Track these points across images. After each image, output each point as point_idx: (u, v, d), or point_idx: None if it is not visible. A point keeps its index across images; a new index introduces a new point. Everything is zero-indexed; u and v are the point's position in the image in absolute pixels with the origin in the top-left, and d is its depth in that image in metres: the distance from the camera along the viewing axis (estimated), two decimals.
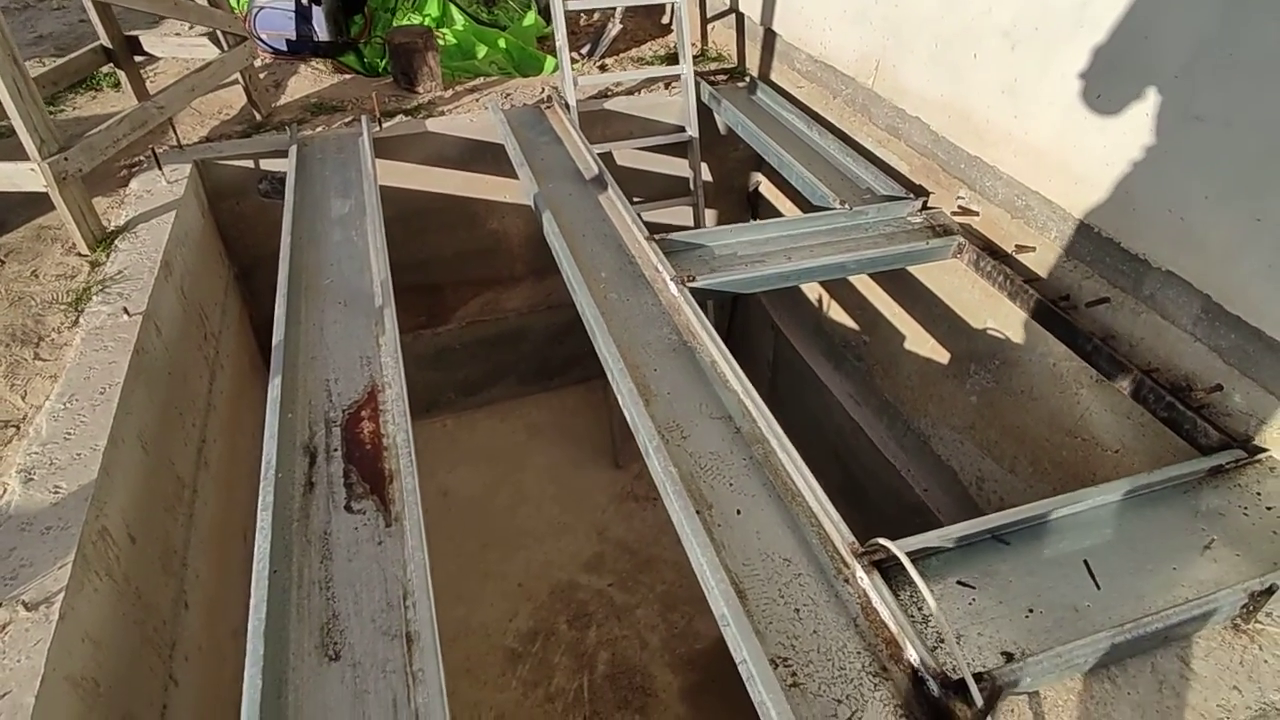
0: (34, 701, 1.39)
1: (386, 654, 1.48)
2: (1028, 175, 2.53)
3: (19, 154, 3.32)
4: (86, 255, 2.69)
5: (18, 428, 2.01)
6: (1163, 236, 2.11)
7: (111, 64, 3.59)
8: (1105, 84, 2.19)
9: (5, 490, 1.82)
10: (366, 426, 1.99)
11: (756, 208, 4.62)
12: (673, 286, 2.47)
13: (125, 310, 2.35)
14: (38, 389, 2.13)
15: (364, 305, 2.44)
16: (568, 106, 3.73)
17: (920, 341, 3.32)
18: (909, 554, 1.59)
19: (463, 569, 3.83)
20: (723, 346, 2.18)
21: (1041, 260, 2.57)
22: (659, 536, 4.06)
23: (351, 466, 1.87)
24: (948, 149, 2.89)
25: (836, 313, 3.95)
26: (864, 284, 3.65)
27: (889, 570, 1.61)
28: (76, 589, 1.61)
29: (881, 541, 1.62)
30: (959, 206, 2.89)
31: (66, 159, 2.57)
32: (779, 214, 4.40)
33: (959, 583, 1.64)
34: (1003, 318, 2.81)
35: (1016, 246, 2.64)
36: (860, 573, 1.59)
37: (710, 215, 4.59)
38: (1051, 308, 2.39)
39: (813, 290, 4.16)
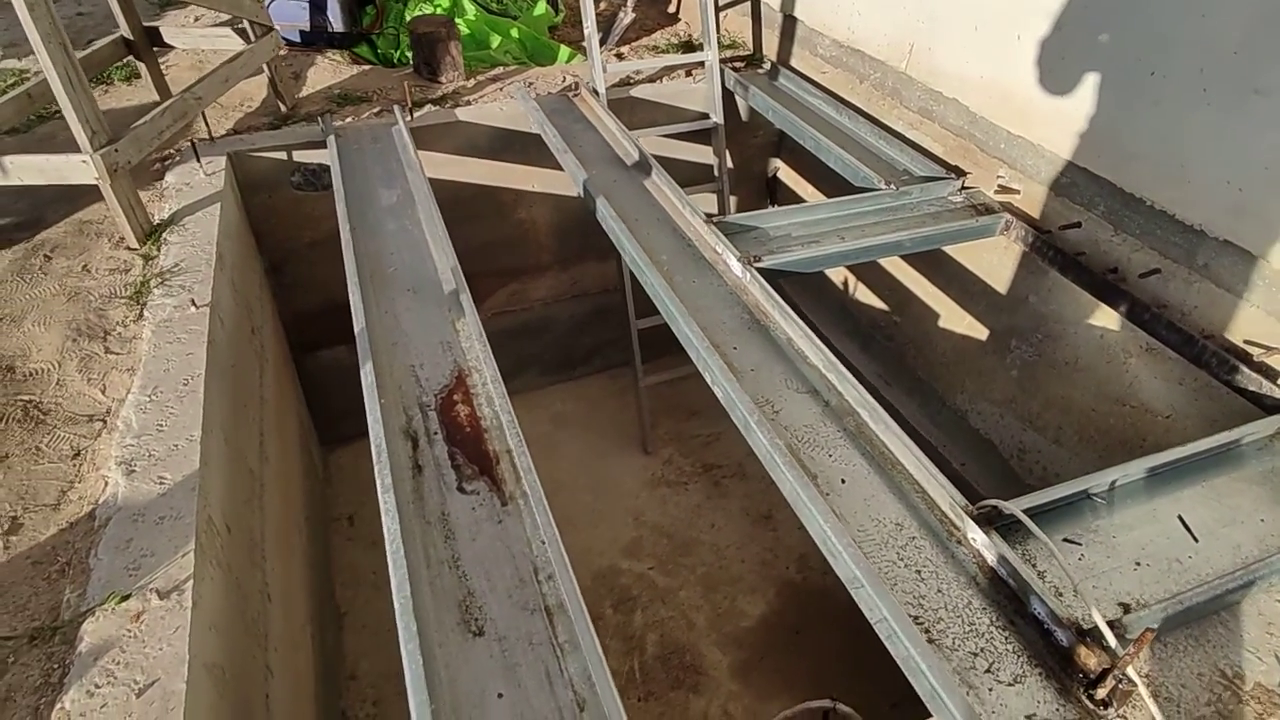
0: (185, 688, 1.39)
1: (529, 628, 1.50)
2: (1075, 152, 2.61)
3: (45, 147, 3.26)
4: (136, 249, 2.65)
5: (104, 421, 1.99)
6: (1220, 207, 2.20)
7: (131, 56, 3.52)
8: (1160, 61, 2.26)
9: (108, 483, 1.79)
10: (461, 410, 2.00)
11: (775, 193, 4.67)
12: (737, 268, 2.51)
13: (193, 302, 2.32)
14: (116, 382, 2.10)
15: (433, 292, 2.44)
16: (596, 93, 3.74)
17: (955, 319, 3.40)
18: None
19: None
20: (801, 323, 2.22)
21: (1088, 236, 2.65)
22: (694, 520, 4.11)
23: (455, 449, 1.88)
24: (986, 129, 2.96)
25: (865, 295, 4.02)
26: (894, 265, 3.72)
27: (999, 529, 1.67)
28: (200, 577, 1.61)
29: (994, 502, 1.68)
30: (999, 185, 2.96)
31: (117, 150, 2.52)
32: (799, 199, 4.46)
33: (1065, 540, 1.71)
34: (1045, 292, 2.89)
35: (1061, 223, 2.72)
36: (975, 532, 1.65)
37: (731, 201, 4.63)
38: (1107, 279, 2.47)
39: (838, 274, 4.23)
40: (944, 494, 1.73)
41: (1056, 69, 2.60)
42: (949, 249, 3.29)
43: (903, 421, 3.72)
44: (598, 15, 5.34)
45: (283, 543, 2.60)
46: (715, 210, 4.25)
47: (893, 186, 2.94)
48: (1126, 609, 1.55)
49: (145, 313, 2.34)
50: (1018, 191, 2.90)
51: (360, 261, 2.49)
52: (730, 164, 4.44)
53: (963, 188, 3.02)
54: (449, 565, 1.62)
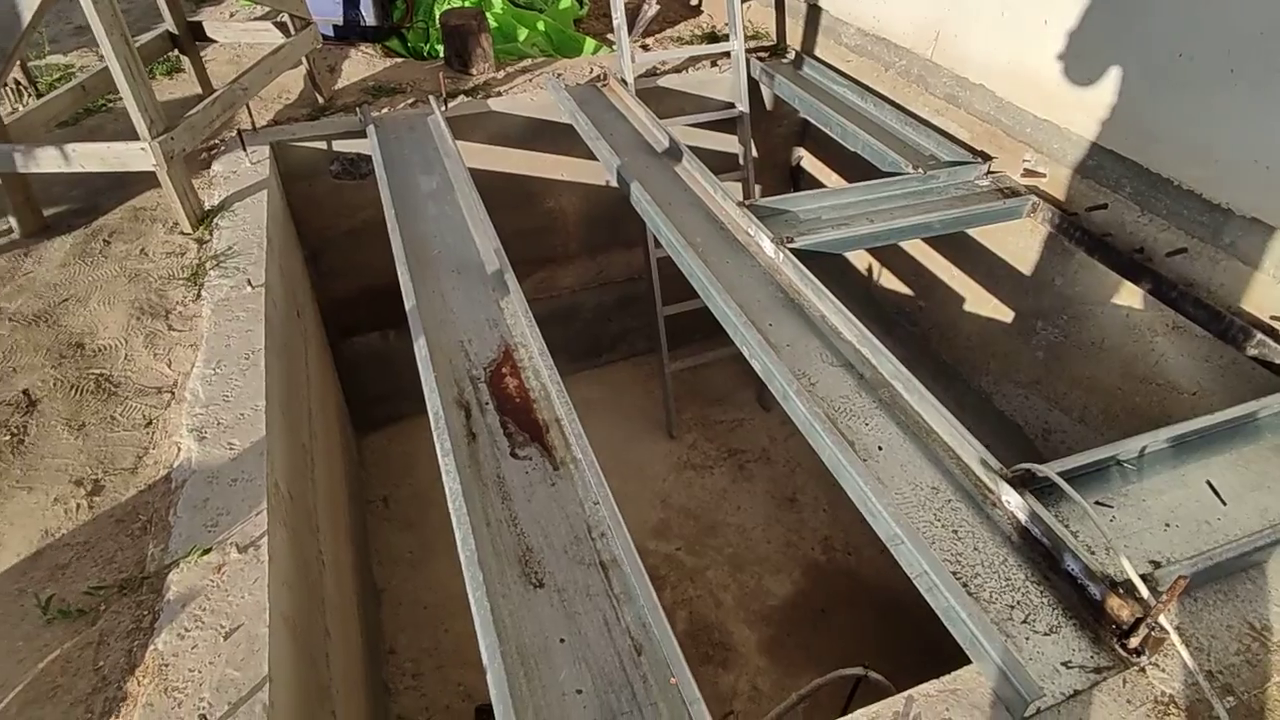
0: (268, 632, 1.49)
1: (587, 580, 1.59)
2: (1102, 135, 2.66)
3: (93, 138, 3.37)
4: (190, 233, 2.75)
5: (172, 393, 2.09)
6: (1247, 185, 2.25)
7: (176, 49, 3.63)
8: (1187, 43, 2.31)
9: (180, 449, 1.90)
10: (510, 382, 2.09)
11: (798, 181, 4.73)
12: (770, 248, 2.58)
13: (249, 282, 2.42)
14: (181, 357, 2.21)
15: (476, 273, 2.53)
16: (624, 83, 3.82)
17: (980, 302, 3.46)
18: (1049, 478, 1.71)
19: None
20: (834, 300, 2.29)
21: (1114, 217, 2.70)
22: (720, 502, 4.18)
23: (507, 418, 1.97)
24: (1013, 113, 3.01)
25: (889, 280, 4.07)
26: (919, 250, 3.78)
27: (1034, 492, 1.74)
28: (273, 535, 1.70)
29: (1029, 466, 1.74)
30: (1025, 169, 3.01)
31: (173, 138, 2.62)
32: (822, 186, 4.51)
33: (1097, 503, 1.77)
34: (1072, 274, 2.94)
35: (1088, 205, 2.77)
36: (1009, 494, 1.72)
37: (755, 190, 4.69)
38: (1134, 259, 2.52)
39: (861, 260, 4.28)
40: (977, 459, 1.80)
41: (1084, 52, 2.65)
42: (974, 233, 3.34)
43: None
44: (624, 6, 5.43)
45: (331, 517, 2.70)
46: (742, 197, 4.32)
47: (920, 170, 3.00)
48: (1157, 565, 1.61)
49: (203, 293, 2.44)
50: (1044, 175, 2.95)
51: (406, 245, 2.58)
52: (755, 152, 4.51)
53: (989, 172, 3.07)
54: (508, 524, 1.71)
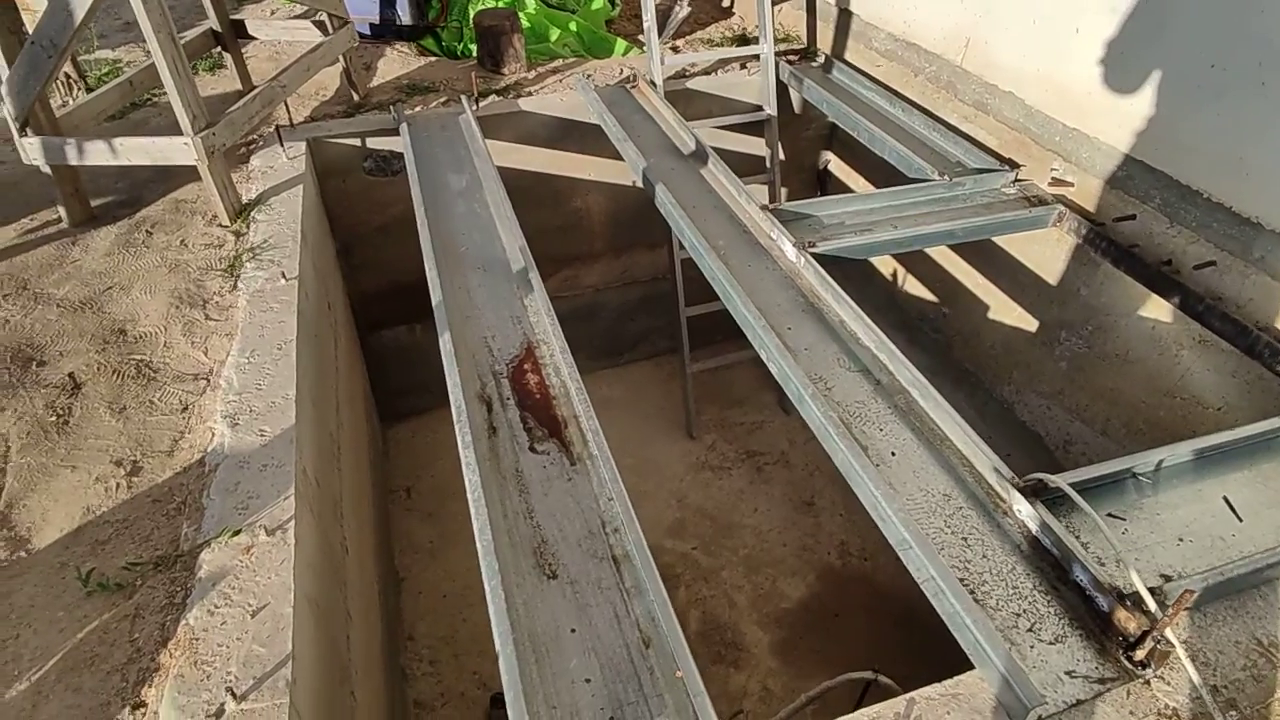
0: (292, 612, 1.55)
1: (599, 573, 1.63)
2: (1132, 145, 2.64)
3: (138, 131, 3.49)
4: (228, 225, 2.85)
5: (208, 380, 2.17)
6: (1279, 199, 2.22)
7: (219, 47, 3.74)
8: (1219, 54, 2.29)
9: (214, 434, 1.98)
10: (531, 378, 2.14)
11: (825, 186, 4.73)
12: (792, 252, 2.60)
13: (283, 275, 2.51)
14: (217, 345, 2.29)
15: (502, 270, 2.59)
16: (653, 84, 3.85)
17: (1005, 311, 3.44)
18: (1061, 489, 1.72)
19: None
20: (854, 306, 2.31)
21: (1142, 228, 2.67)
22: (737, 504, 4.21)
23: (527, 413, 2.02)
24: (1042, 122, 3.00)
25: (913, 286, 4.06)
26: (944, 256, 3.77)
27: (1046, 502, 1.75)
28: (300, 520, 1.77)
29: (1041, 476, 1.75)
30: (1053, 179, 3.00)
31: (214, 134, 2.72)
32: (849, 191, 4.51)
33: (1110, 515, 1.77)
34: (1097, 285, 2.92)
35: (1115, 216, 2.75)
36: (1021, 504, 1.73)
37: (781, 193, 4.70)
38: (1161, 271, 2.50)
39: (886, 265, 4.28)
40: (990, 467, 1.81)
41: (1114, 62, 2.63)
42: (1000, 241, 3.33)
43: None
44: (655, 8, 5.46)
45: (356, 505, 2.78)
46: (767, 201, 4.33)
47: (946, 177, 3.00)
48: (1167, 579, 1.61)
49: (239, 284, 2.53)
50: (1072, 184, 2.93)
51: (434, 241, 2.64)
52: (782, 156, 4.52)
53: (1016, 180, 3.06)
54: (524, 516, 1.76)
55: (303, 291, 2.54)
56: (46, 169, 2.77)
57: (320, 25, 3.68)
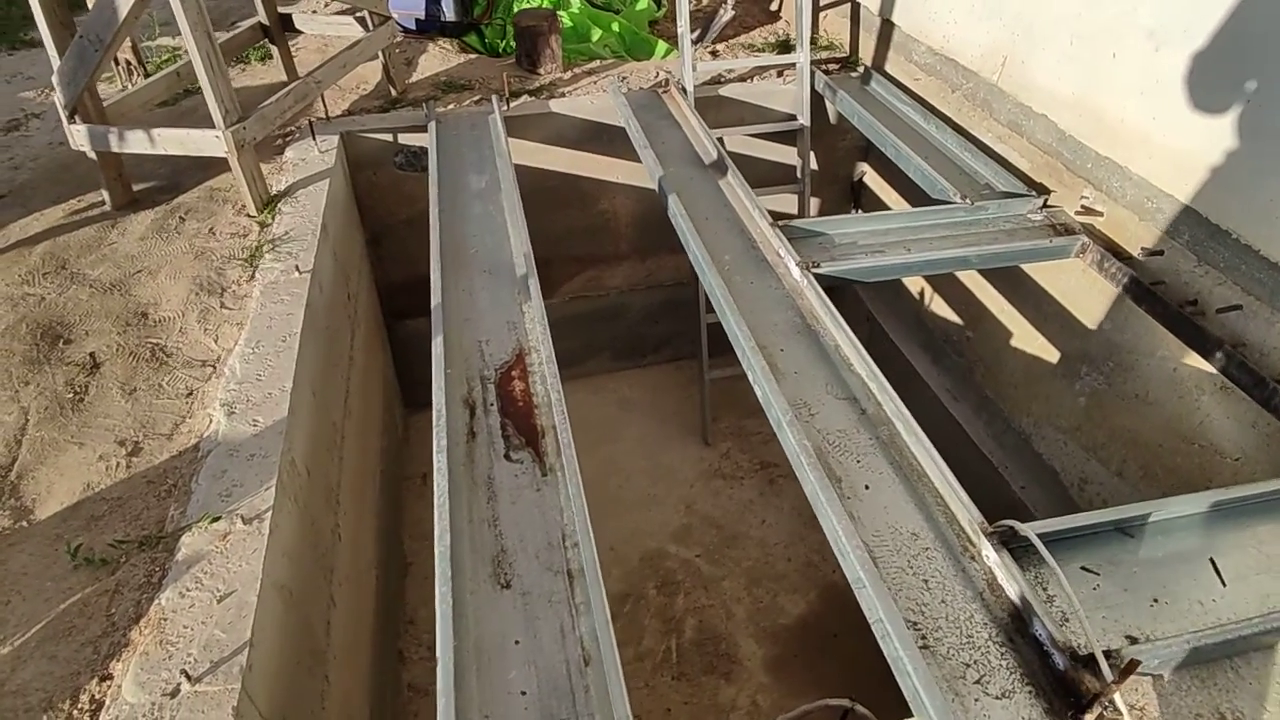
0: (256, 600, 1.62)
1: (551, 587, 1.66)
2: (1162, 177, 2.53)
3: (187, 119, 3.66)
4: (255, 216, 2.97)
5: (214, 367, 2.28)
6: None
7: (266, 39, 3.88)
8: (1258, 91, 2.17)
9: (211, 421, 2.07)
10: (517, 385, 2.18)
11: (860, 198, 4.65)
12: (796, 271, 2.58)
13: (297, 268, 2.60)
14: (226, 334, 2.40)
15: (506, 274, 2.63)
16: (684, 91, 3.84)
17: (1028, 339, 3.33)
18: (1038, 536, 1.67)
19: None
20: (849, 332, 2.28)
21: (1169, 265, 2.56)
22: (745, 514, 4.19)
23: (507, 420, 2.06)
24: (1074, 148, 2.89)
25: (939, 307, 3.97)
26: (972, 279, 3.67)
27: (1015, 550, 1.70)
28: (279, 509, 1.85)
29: (1010, 523, 1.71)
30: (1082, 206, 2.89)
31: (245, 128, 2.83)
32: (883, 205, 4.42)
33: (1082, 568, 1.72)
34: (1121, 320, 2.80)
35: (1143, 249, 2.64)
36: (989, 550, 1.69)
37: (813, 203, 4.64)
38: (1180, 312, 2.39)
39: (914, 283, 4.18)
40: (964, 510, 1.77)
41: (1150, 90, 2.52)
42: (1027, 267, 3.22)
43: (966, 438, 3.68)
44: (698, 11, 5.44)
45: (357, 491, 2.87)
46: (795, 211, 4.29)
47: (968, 200, 2.92)
48: (1133, 641, 1.56)
49: (257, 274, 2.64)
50: (1101, 214, 2.82)
51: (445, 241, 2.70)
52: (815, 166, 4.45)
53: (1044, 205, 2.96)
54: (489, 524, 1.79)
55: (315, 285, 2.63)
56: (92, 154, 2.93)
57: (362, 21, 3.78)
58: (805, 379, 2.20)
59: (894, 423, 2.04)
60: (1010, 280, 3.37)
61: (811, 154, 4.20)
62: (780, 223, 2.79)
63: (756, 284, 2.58)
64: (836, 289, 4.77)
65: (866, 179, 4.57)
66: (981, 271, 3.56)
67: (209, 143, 2.80)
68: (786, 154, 4.23)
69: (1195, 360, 2.50)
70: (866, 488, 1.89)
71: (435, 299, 2.37)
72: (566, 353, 4.83)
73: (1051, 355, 3.20)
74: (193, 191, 3.16)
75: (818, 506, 1.81)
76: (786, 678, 3.47)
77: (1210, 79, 2.30)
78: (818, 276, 2.55)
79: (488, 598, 1.64)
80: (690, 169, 3.27)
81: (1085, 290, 2.94)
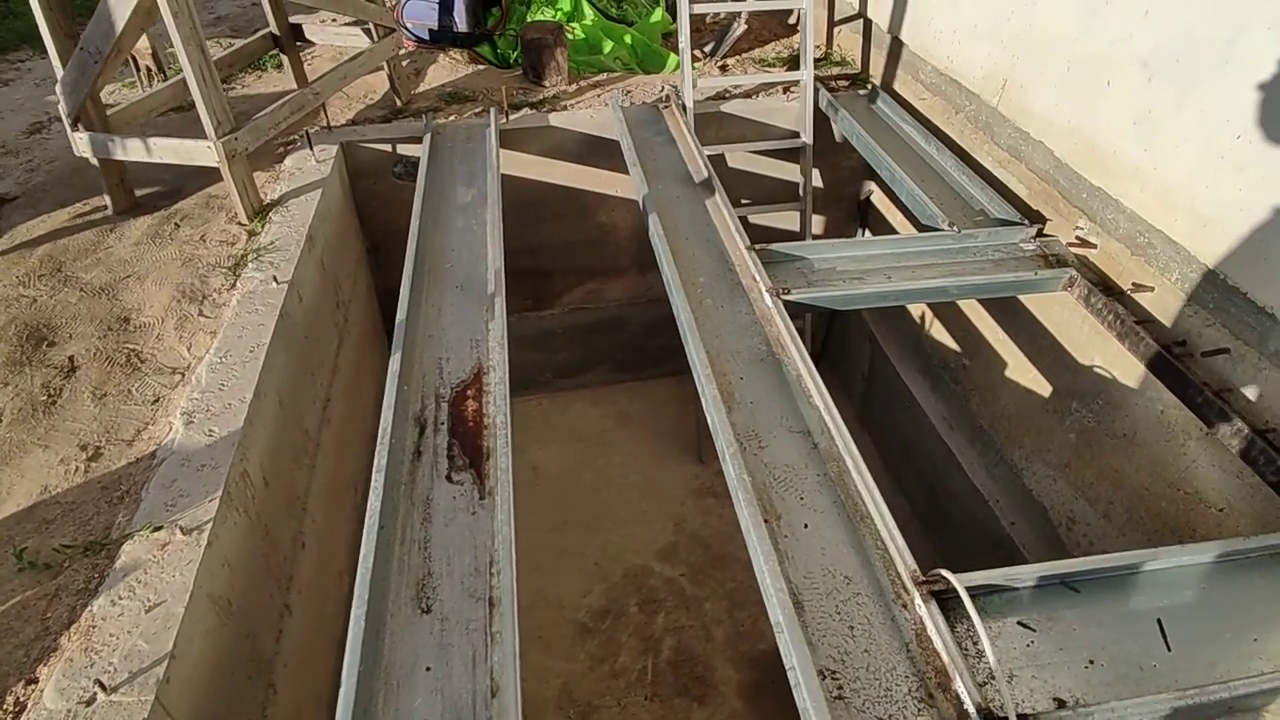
0: (183, 612, 1.65)
1: (471, 614, 1.66)
2: (1153, 212, 2.43)
3: (196, 127, 3.75)
4: (245, 225, 3.03)
5: (183, 375, 2.33)
6: None
7: (278, 49, 3.97)
8: (1247, 125, 2.07)
9: (171, 429, 2.12)
10: (470, 405, 2.18)
11: (866, 217, 4.57)
12: (767, 297, 2.54)
13: (274, 278, 2.65)
14: (200, 342, 2.45)
15: (478, 290, 2.64)
16: (684, 108, 3.82)
17: (1022, 371, 3.23)
18: (972, 589, 1.61)
19: (543, 542, 4.05)
20: (809, 362, 2.24)
21: (1159, 302, 2.46)
22: (733, 535, 4.13)
23: (455, 440, 2.07)
24: (1070, 177, 2.79)
25: (939, 332, 3.88)
26: (970, 307, 3.57)
27: (949, 602, 1.64)
28: (221, 520, 1.88)
29: (943, 573, 1.65)
30: (1076, 238, 2.79)
31: (236, 139, 2.90)
32: (889, 225, 4.34)
33: (1019, 623, 1.65)
34: (1111, 357, 2.70)
35: (1133, 285, 2.54)
36: (918, 600, 1.63)
37: (818, 221, 4.58)
38: (1164, 353, 2.29)
39: (917, 308, 4.09)
40: (900, 557, 1.72)
41: (1141, 120, 2.42)
42: (1024, 298, 3.13)
43: (959, 468, 3.59)
44: (713, 24, 5.41)
45: (331, 499, 2.91)
46: (797, 229, 4.23)
47: (955, 228, 2.84)
48: (1061, 704, 1.49)
49: (238, 283, 2.70)
50: (1095, 246, 2.72)
51: (421, 255, 2.73)
52: (820, 184, 4.40)
53: (1038, 235, 2.87)
54: (419, 546, 1.80)
55: (294, 295, 2.68)
56: (94, 161, 3.03)
57: (369, 32, 3.85)
58: (761, 409, 2.16)
59: (844, 459, 1.99)
60: (1007, 310, 3.28)
61: (816, 172, 4.14)
62: (760, 246, 2.75)
63: (726, 308, 2.55)
64: (841, 310, 4.70)
65: (873, 198, 4.49)
66: (980, 300, 3.46)
67: (201, 152, 2.88)
68: (790, 171, 4.18)
69: (1182, 404, 2.40)
70: (805, 526, 1.84)
71: (400, 314, 2.40)
72: (567, 364, 4.89)
73: (1044, 389, 3.10)
74: (191, 198, 3.25)
75: (750, 543, 1.77)
76: (760, 705, 3.41)
77: (1199, 113, 2.21)
78: (788, 304, 2.51)
79: (406, 621, 1.65)
80: (679, 187, 3.25)
81: (1077, 324, 2.84)
